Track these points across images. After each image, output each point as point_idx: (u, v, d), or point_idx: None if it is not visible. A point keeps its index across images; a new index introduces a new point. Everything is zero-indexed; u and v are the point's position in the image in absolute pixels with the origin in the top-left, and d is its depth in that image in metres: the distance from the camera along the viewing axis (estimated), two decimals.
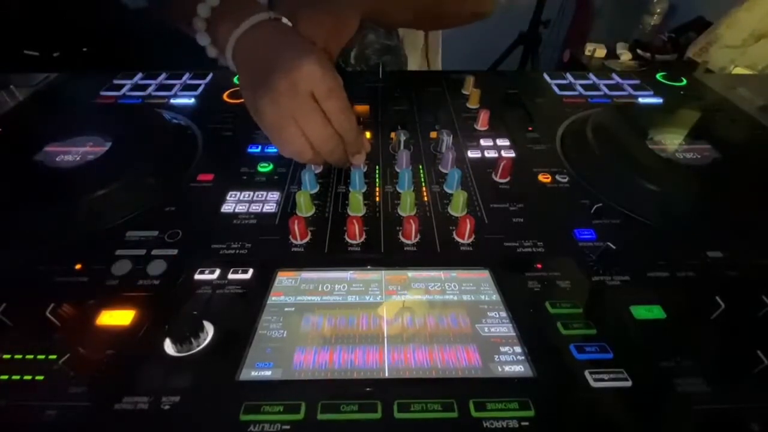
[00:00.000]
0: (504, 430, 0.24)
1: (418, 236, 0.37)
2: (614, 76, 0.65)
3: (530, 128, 0.52)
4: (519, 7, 1.79)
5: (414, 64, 0.80)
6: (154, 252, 0.35)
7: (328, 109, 0.38)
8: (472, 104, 0.57)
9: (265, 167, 0.45)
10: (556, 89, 0.61)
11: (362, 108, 0.54)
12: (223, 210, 0.40)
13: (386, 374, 0.27)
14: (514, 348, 0.29)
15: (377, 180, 0.44)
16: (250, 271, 0.34)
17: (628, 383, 0.26)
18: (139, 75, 0.62)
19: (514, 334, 0.29)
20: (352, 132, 0.40)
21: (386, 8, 0.52)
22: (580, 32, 1.98)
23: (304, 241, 0.37)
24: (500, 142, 0.50)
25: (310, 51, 0.37)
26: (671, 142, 0.47)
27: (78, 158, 0.44)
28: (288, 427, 0.24)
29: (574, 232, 0.37)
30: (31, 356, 0.27)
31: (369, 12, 0.48)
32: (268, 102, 0.37)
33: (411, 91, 0.60)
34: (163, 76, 0.62)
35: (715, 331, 0.30)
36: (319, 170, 0.45)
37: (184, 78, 0.62)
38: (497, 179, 0.44)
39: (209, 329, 0.29)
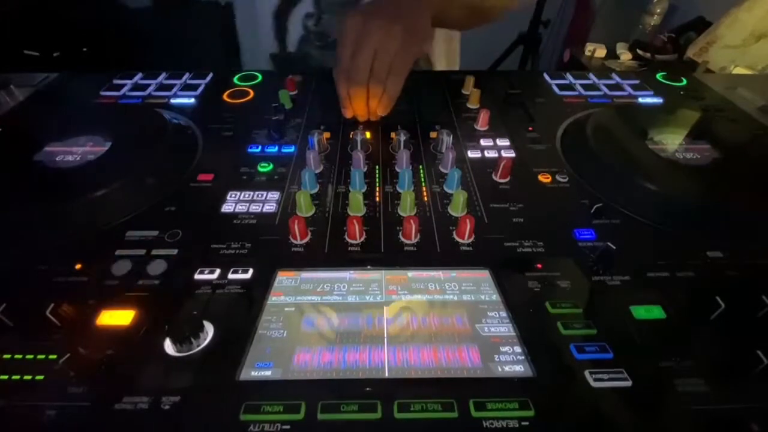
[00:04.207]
0: (504, 430, 0.24)
1: (418, 236, 0.37)
2: (614, 76, 0.64)
3: (530, 128, 0.52)
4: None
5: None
6: (154, 252, 0.35)
7: (395, 61, 0.46)
8: (472, 104, 0.57)
9: (265, 167, 0.45)
10: (556, 89, 0.61)
11: None
12: (223, 210, 0.40)
13: (386, 374, 0.27)
14: (514, 348, 0.29)
15: (377, 180, 0.44)
16: (250, 271, 0.34)
17: (628, 383, 0.26)
18: (139, 75, 0.62)
19: (514, 334, 0.29)
20: (393, 88, 0.47)
21: (447, 10, 0.55)
22: (580, 32, 1.98)
23: (304, 241, 0.37)
24: (500, 142, 0.50)
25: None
26: (671, 142, 0.47)
27: (78, 158, 0.44)
28: (288, 427, 0.24)
29: (574, 232, 0.37)
30: (31, 356, 0.27)
31: (434, 15, 0.51)
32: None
33: (411, 91, 0.60)
34: (163, 76, 0.62)
35: (715, 331, 0.30)
36: (319, 170, 0.45)
37: (184, 78, 0.62)
38: (497, 179, 0.44)
39: (209, 329, 0.29)
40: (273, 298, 0.32)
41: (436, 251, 0.36)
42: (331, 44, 0.74)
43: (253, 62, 0.79)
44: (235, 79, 0.62)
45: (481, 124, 0.52)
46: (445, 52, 0.79)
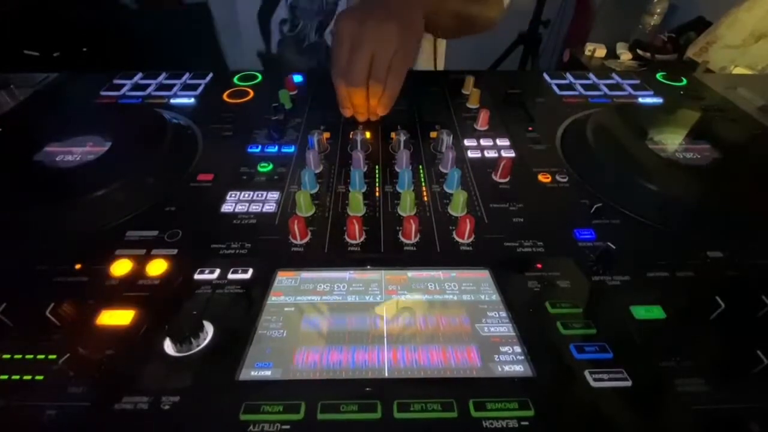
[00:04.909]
0: (504, 429, 0.24)
1: (418, 236, 0.37)
2: (614, 76, 0.64)
3: (530, 128, 0.52)
4: (519, 7, 1.79)
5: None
6: (154, 252, 0.35)
7: (394, 60, 0.46)
8: (472, 104, 0.57)
9: (265, 167, 0.45)
10: (556, 89, 0.61)
11: None
12: (223, 210, 0.40)
13: (386, 374, 0.27)
14: (514, 348, 0.29)
15: (377, 180, 0.44)
16: (250, 271, 0.34)
17: (628, 383, 0.26)
18: (139, 75, 0.62)
19: (514, 333, 0.29)
20: (393, 87, 0.48)
21: (439, 15, 0.55)
22: (580, 32, 1.98)
23: (304, 241, 0.37)
24: (500, 142, 0.50)
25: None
26: (671, 142, 0.47)
27: (78, 158, 0.44)
28: (288, 427, 0.24)
29: (574, 232, 0.37)
30: (31, 356, 0.27)
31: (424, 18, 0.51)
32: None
33: (411, 91, 0.60)
34: (163, 76, 0.62)
35: (715, 331, 0.30)
36: (319, 170, 0.45)
37: (184, 78, 0.62)
38: (497, 179, 0.44)
39: (209, 329, 0.29)
40: (273, 298, 0.32)
41: (436, 251, 0.36)
42: (306, 50, 0.74)
43: (242, 62, 0.79)
44: (235, 79, 0.62)
45: (481, 124, 0.52)
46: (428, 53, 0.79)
